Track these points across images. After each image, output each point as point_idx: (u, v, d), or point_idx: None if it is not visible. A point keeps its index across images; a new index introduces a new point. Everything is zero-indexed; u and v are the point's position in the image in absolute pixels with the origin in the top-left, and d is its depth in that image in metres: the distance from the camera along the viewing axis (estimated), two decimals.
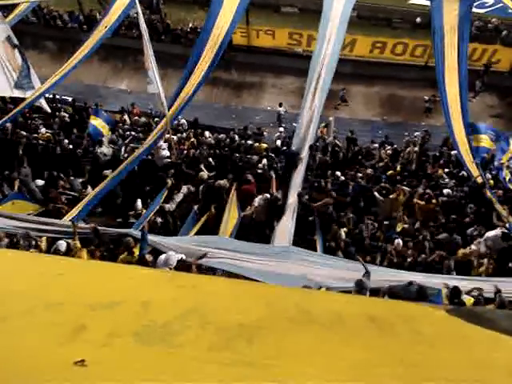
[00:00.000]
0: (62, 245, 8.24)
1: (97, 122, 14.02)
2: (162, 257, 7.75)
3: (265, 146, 14.35)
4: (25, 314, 1.47)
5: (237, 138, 14.86)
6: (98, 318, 1.46)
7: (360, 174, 12.24)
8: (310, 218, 10.23)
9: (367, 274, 7.05)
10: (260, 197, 10.47)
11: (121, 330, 1.40)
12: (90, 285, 1.68)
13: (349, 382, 1.26)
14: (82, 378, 1.21)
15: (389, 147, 15.21)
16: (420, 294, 6.78)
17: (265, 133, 16.39)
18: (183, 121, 16.00)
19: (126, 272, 1.96)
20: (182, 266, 7.48)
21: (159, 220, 10.31)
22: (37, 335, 1.40)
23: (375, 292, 7.09)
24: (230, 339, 1.38)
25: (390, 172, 12.86)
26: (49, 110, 15.95)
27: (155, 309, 1.51)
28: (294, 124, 16.05)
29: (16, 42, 13.89)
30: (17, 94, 14.01)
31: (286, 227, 9.61)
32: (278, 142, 15.15)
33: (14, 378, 1.20)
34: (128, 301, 1.54)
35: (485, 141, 12.61)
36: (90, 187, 11.32)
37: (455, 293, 7.07)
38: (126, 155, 12.65)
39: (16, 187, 11.25)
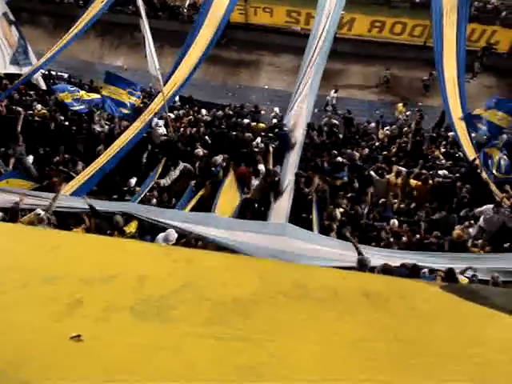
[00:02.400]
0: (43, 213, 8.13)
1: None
2: (162, 234, 7.75)
3: (262, 125, 14.24)
4: (21, 287, 1.47)
5: (231, 113, 14.76)
6: (94, 292, 1.46)
7: (357, 154, 12.17)
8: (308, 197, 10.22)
9: (360, 254, 7.08)
10: (257, 178, 10.46)
11: (117, 305, 1.41)
12: (86, 258, 1.68)
13: (343, 356, 1.27)
14: (79, 352, 1.22)
15: (387, 127, 15.15)
16: (413, 272, 6.83)
17: (262, 111, 16.30)
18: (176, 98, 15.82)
19: (122, 246, 1.97)
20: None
21: (154, 196, 10.26)
22: (33, 310, 1.40)
23: (371, 270, 7.13)
24: (225, 314, 1.38)
25: (385, 152, 12.83)
26: (44, 87, 15.80)
27: (151, 283, 1.52)
28: None
29: (12, 18, 13.74)
30: (12, 70, 13.88)
31: (282, 206, 9.60)
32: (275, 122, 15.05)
33: (10, 353, 1.20)
34: (124, 275, 1.55)
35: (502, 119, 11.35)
36: (80, 163, 11.27)
37: (450, 274, 7.09)
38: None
39: (11, 165, 11.16)
